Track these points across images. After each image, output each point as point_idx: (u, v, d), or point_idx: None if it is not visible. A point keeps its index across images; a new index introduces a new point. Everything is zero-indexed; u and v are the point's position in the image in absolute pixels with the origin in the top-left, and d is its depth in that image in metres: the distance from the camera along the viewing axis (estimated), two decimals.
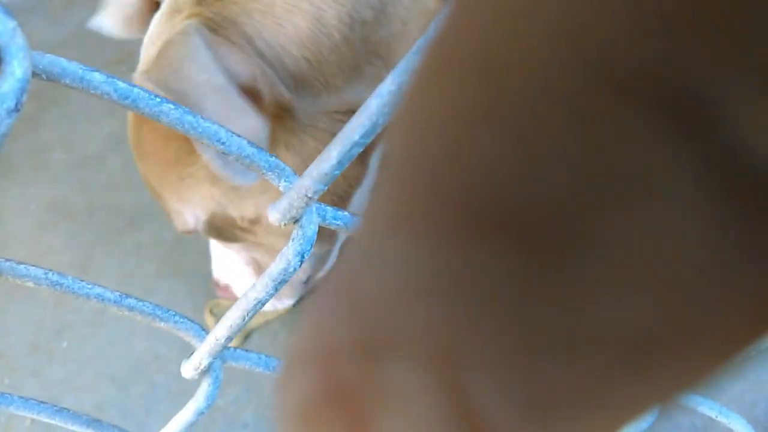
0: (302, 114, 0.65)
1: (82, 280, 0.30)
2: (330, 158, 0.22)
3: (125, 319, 1.00)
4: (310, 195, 0.23)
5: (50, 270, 0.30)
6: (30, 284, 0.29)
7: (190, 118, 0.22)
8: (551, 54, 0.08)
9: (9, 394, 0.36)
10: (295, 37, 0.63)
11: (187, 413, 0.32)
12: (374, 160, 0.79)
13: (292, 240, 0.26)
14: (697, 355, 0.09)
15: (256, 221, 0.73)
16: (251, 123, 0.58)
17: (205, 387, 0.32)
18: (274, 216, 0.25)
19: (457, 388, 0.09)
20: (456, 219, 0.09)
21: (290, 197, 0.24)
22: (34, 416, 0.36)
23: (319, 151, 0.70)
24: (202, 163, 0.64)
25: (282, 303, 0.92)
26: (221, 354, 0.33)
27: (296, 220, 0.26)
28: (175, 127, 0.22)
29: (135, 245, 1.08)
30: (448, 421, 0.09)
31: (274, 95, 0.61)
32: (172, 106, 0.22)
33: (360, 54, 0.66)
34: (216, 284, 0.94)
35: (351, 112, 0.67)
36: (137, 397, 0.92)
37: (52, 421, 0.37)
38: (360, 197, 0.78)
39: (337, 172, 0.22)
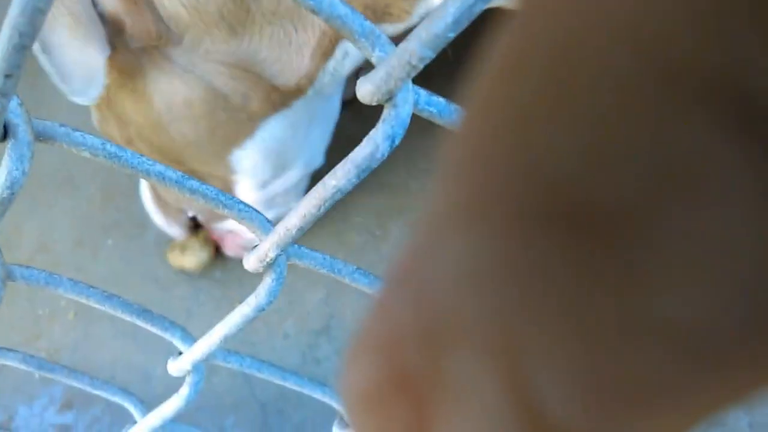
0: (179, 55, 0.66)
1: (141, 156, 0.27)
2: (445, 15, 0.18)
3: None
4: (414, 62, 0.20)
5: (108, 141, 0.27)
6: (86, 154, 0.26)
7: None
8: (621, 56, 0.09)
9: (58, 275, 0.34)
10: None
11: (246, 309, 0.30)
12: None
13: (383, 121, 0.23)
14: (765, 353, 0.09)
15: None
16: (92, 52, 0.60)
17: (267, 282, 0.30)
18: (365, 90, 0.22)
19: (519, 379, 0.10)
20: (521, 212, 0.10)
21: (389, 65, 0.20)
22: (83, 300, 0.34)
23: (184, 97, 0.63)
24: None
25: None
26: (287, 250, 0.30)
27: (389, 98, 0.22)
28: None
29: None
30: (510, 412, 0.10)
31: (140, 28, 0.62)
32: None
33: (253, 11, 0.65)
34: (214, 236, 0.91)
35: (241, 68, 0.68)
36: (180, 299, 0.91)
37: (101, 307, 0.35)
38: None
39: (451, 34, 0.19)
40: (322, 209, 0.25)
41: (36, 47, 0.56)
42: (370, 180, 1.05)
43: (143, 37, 0.63)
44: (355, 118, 1.11)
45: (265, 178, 0.80)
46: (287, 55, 0.69)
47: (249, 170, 0.78)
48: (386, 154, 0.23)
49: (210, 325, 0.91)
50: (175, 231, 0.89)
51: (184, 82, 0.67)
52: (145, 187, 0.89)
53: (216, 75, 0.67)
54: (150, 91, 0.68)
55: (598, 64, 0.09)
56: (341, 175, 0.24)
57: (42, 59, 0.58)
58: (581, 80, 0.09)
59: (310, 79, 0.72)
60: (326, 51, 0.70)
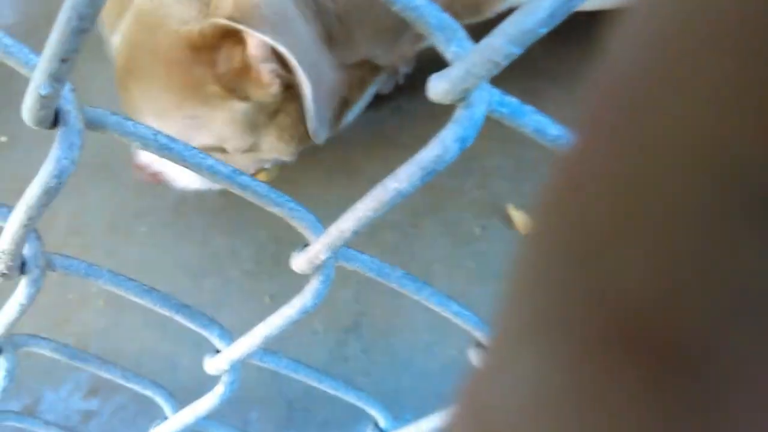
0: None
1: (193, 148, 0.26)
2: (539, 9, 0.17)
3: (206, 210, 0.98)
4: (498, 60, 0.18)
5: (160, 132, 0.26)
6: (137, 144, 0.25)
7: None
8: (700, 182, 0.08)
9: (98, 266, 0.33)
10: None
11: (290, 311, 0.29)
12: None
13: (454, 121, 0.21)
14: None
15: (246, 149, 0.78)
16: (335, 75, 0.65)
17: (315, 284, 0.28)
18: (440, 88, 0.20)
19: None
20: (593, 336, 0.09)
21: (469, 62, 0.19)
22: (122, 293, 0.33)
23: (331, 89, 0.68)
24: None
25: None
26: (336, 253, 0.29)
27: (463, 98, 0.21)
28: None
29: None
30: None
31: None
32: None
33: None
34: (139, 167, 0.88)
35: (365, 60, 0.79)
36: (209, 290, 0.91)
37: (140, 301, 0.34)
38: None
39: (543, 29, 0.17)
40: (380, 212, 0.24)
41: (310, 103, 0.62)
42: None
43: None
44: (393, 114, 1.09)
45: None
46: (397, 43, 0.81)
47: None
48: (455, 157, 0.22)
49: (239, 317, 0.90)
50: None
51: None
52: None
53: (343, 69, 0.75)
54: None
55: (674, 190, 0.09)
56: (404, 178, 0.23)
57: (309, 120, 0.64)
58: (657, 207, 0.09)
59: (404, 56, 0.86)
60: (421, 35, 0.82)
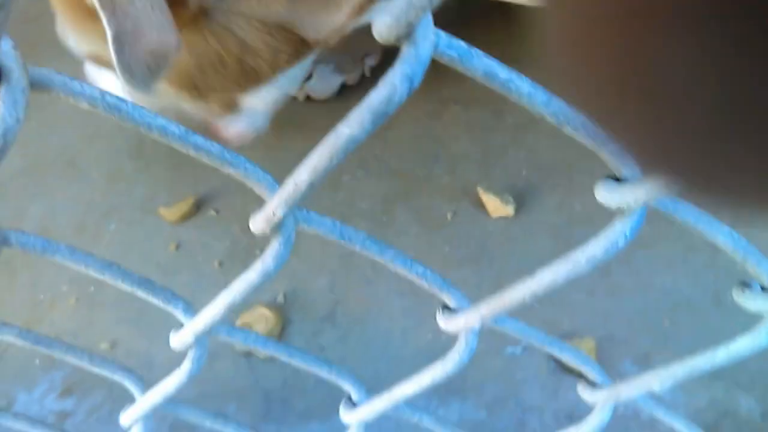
0: (219, 12, 0.67)
1: (142, 108, 0.26)
2: None
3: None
4: None
5: (108, 91, 0.25)
6: (85, 105, 0.25)
7: None
8: None
9: (55, 241, 0.32)
10: None
11: (252, 275, 0.29)
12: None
13: (401, 60, 0.21)
14: None
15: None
16: (167, 38, 0.58)
17: (275, 246, 0.28)
18: (383, 23, 0.20)
19: None
20: None
21: None
22: (82, 269, 0.33)
23: (217, 52, 0.63)
24: None
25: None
26: (295, 212, 0.28)
27: (408, 33, 0.21)
28: None
29: None
30: None
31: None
32: None
33: None
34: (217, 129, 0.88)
35: (279, 25, 0.70)
36: (182, 285, 0.90)
37: (101, 276, 0.33)
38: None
39: None
40: (335, 161, 0.23)
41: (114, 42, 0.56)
42: (376, 166, 1.04)
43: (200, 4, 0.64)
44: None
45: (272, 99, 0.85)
46: (326, 11, 0.71)
47: (257, 102, 0.83)
48: (404, 98, 0.22)
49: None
50: None
51: (219, 40, 0.69)
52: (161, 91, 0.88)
53: (252, 31, 0.69)
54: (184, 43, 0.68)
55: None
56: (355, 122, 0.22)
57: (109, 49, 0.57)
58: None
59: (339, 31, 0.74)
60: (364, 5, 0.72)
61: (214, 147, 0.27)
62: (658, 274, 0.87)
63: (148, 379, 0.83)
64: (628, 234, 0.26)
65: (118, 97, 0.25)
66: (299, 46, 0.74)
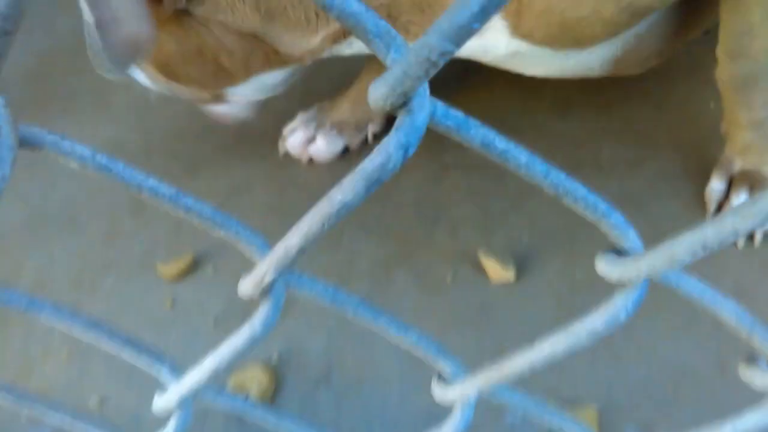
0: (198, 11, 0.72)
1: (133, 169, 0.25)
2: (470, 3, 0.16)
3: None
4: (433, 58, 0.18)
5: (99, 153, 0.25)
6: (74, 165, 0.24)
7: None
8: None
9: (40, 299, 0.32)
10: None
11: (238, 340, 0.28)
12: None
13: (396, 129, 0.21)
14: None
15: None
16: (142, 28, 0.63)
17: (263, 311, 0.27)
18: (378, 93, 0.20)
19: None
20: None
21: (405, 63, 0.19)
22: (66, 328, 0.32)
23: (196, 45, 0.76)
24: None
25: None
26: (286, 276, 0.28)
27: (404, 103, 0.20)
28: None
29: (190, 191, 1.05)
30: None
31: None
32: None
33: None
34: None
35: (251, 35, 0.76)
36: (176, 342, 0.88)
37: (85, 336, 0.33)
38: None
39: (476, 25, 0.17)
40: (326, 226, 0.23)
41: (90, 25, 0.61)
42: (377, 227, 1.04)
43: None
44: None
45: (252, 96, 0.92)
46: (301, 32, 0.75)
47: (238, 96, 0.90)
48: (398, 166, 0.21)
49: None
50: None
51: (198, 35, 0.75)
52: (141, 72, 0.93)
53: (226, 34, 0.75)
54: (166, 34, 0.75)
55: None
56: (348, 189, 0.22)
57: (94, 35, 0.62)
58: None
59: (314, 54, 0.80)
60: (338, 37, 0.77)
61: (204, 209, 0.27)
62: (661, 343, 0.85)
63: None
64: (629, 308, 0.26)
65: (109, 159, 0.25)
66: (273, 56, 0.79)
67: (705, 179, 1.00)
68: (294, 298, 0.93)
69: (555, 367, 0.83)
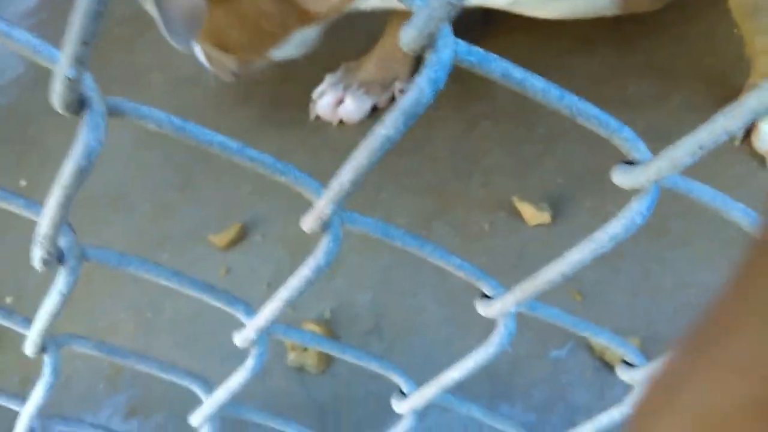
0: None
1: (203, 128, 0.29)
2: None
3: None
4: (453, 1, 0.21)
5: (173, 115, 0.29)
6: (152, 126, 0.29)
7: None
8: None
9: (128, 255, 0.36)
10: None
11: (306, 271, 0.32)
12: None
13: (426, 66, 0.24)
14: None
15: None
16: (197, 1, 0.74)
17: (325, 242, 0.31)
18: (408, 36, 0.23)
19: None
20: None
21: (430, 8, 0.22)
22: (152, 277, 0.37)
23: (241, 16, 0.93)
24: None
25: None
26: (341, 212, 0.32)
27: (431, 44, 0.24)
28: None
29: (230, 165, 1.09)
30: None
31: None
32: None
33: None
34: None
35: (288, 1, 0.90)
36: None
37: (167, 283, 0.37)
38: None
39: None
40: (373, 159, 0.27)
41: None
42: (412, 183, 1.07)
43: None
44: None
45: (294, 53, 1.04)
46: None
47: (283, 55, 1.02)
48: (431, 99, 0.25)
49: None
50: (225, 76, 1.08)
51: (242, 6, 0.88)
52: (199, 48, 1.05)
53: (266, 2, 0.89)
54: (213, 5, 0.87)
55: None
56: (389, 124, 0.26)
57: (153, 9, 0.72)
58: None
59: (337, 10, 0.92)
60: None
61: (267, 159, 0.30)
62: (697, 271, 0.88)
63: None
64: (644, 212, 0.29)
65: (182, 120, 0.29)
66: (303, 15, 0.92)
67: None
68: (340, 259, 0.98)
69: (597, 304, 0.87)
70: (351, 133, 1.13)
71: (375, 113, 1.15)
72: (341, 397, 0.85)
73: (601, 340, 0.39)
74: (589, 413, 0.78)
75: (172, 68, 1.29)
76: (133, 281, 0.98)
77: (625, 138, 0.28)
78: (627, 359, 0.42)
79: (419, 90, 0.24)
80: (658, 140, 1.07)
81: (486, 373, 0.83)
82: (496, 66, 0.26)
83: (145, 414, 0.86)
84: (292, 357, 0.87)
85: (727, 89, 1.06)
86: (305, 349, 0.87)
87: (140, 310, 0.96)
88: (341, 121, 1.13)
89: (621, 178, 0.29)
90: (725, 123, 0.25)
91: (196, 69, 1.28)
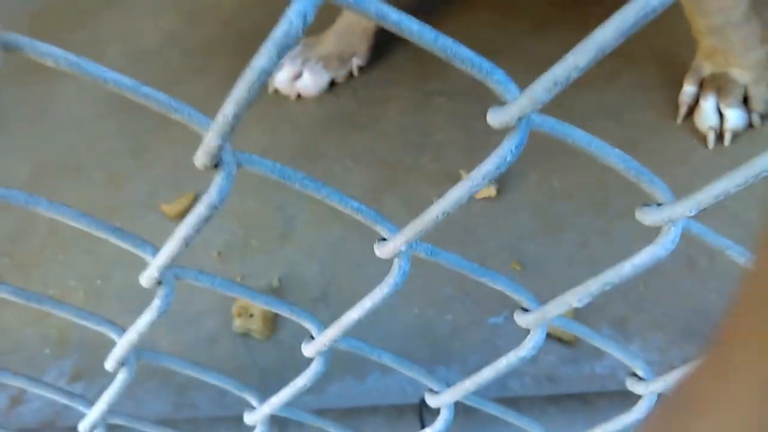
0: None
1: (98, 64, 0.30)
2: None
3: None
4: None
5: (69, 52, 0.30)
6: (50, 63, 0.30)
7: None
8: None
9: (37, 196, 0.37)
10: None
11: (201, 208, 0.33)
12: None
13: (295, 1, 0.26)
14: None
15: None
16: None
17: (217, 180, 0.32)
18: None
19: None
20: None
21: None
22: (59, 218, 0.38)
23: None
24: None
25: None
26: (235, 153, 0.33)
27: None
28: None
29: (184, 135, 1.10)
30: None
31: None
32: None
33: None
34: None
35: None
36: None
37: (77, 225, 0.38)
38: None
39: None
40: (252, 92, 0.28)
41: None
42: (366, 157, 1.09)
43: None
44: (350, 99, 1.15)
45: None
46: None
47: None
48: (300, 32, 0.26)
49: (213, 299, 0.92)
50: None
51: None
52: None
53: None
54: None
55: None
56: (264, 56, 0.27)
57: None
58: None
59: None
60: None
61: (161, 96, 0.32)
62: (634, 243, 0.90)
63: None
64: (513, 150, 0.31)
65: (78, 56, 0.30)
66: None
67: (679, 88, 1.03)
68: (290, 230, 0.99)
69: (535, 273, 0.89)
70: (309, 108, 1.14)
71: (333, 89, 1.16)
72: (285, 363, 0.87)
73: (498, 286, 0.41)
74: (521, 377, 0.80)
75: (133, 41, 1.29)
76: (85, 251, 0.99)
77: (498, 80, 0.30)
78: (523, 304, 0.44)
79: (288, 22, 0.26)
80: (609, 118, 1.10)
81: (427, 339, 0.85)
82: (371, 5, 0.28)
83: (89, 379, 0.87)
84: (237, 323, 0.88)
85: (675, 68, 1.09)
86: (251, 315, 0.88)
87: (90, 278, 0.97)
88: (299, 95, 1.14)
89: (491, 118, 0.30)
90: (575, 59, 0.26)
91: (157, 43, 1.29)
